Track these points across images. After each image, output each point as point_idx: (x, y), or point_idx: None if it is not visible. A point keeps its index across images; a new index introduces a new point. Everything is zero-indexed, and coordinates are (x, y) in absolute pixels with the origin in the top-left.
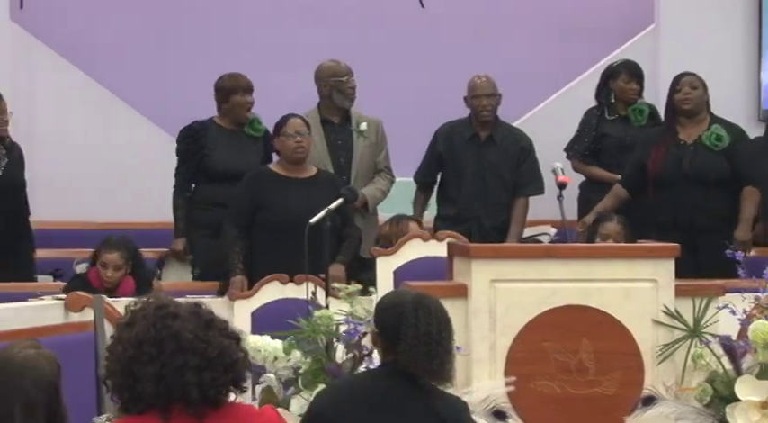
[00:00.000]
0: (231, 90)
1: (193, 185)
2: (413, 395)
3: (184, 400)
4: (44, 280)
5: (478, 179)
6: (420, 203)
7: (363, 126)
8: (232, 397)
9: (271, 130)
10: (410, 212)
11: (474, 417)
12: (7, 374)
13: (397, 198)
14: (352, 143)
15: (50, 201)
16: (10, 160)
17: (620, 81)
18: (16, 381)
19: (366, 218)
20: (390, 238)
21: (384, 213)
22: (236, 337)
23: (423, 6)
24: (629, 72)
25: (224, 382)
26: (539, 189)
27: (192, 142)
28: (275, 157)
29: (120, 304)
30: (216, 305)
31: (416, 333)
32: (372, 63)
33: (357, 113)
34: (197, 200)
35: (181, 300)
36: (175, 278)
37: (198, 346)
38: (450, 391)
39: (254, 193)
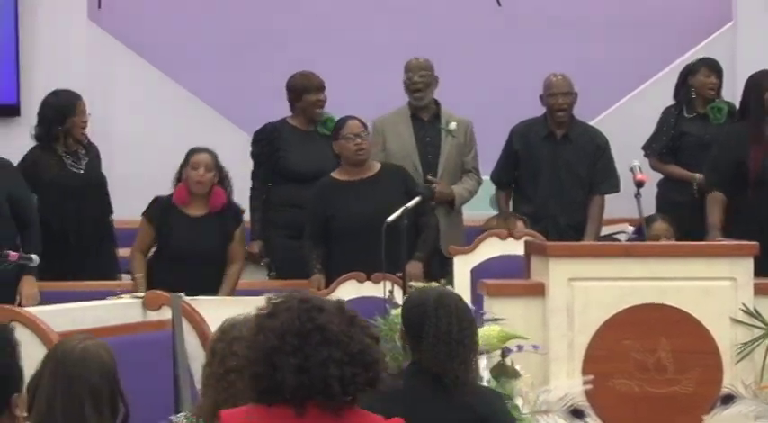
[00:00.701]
0: (303, 89)
1: (270, 185)
2: (442, 394)
3: (324, 394)
4: (124, 279)
5: (554, 177)
6: (504, 202)
7: (453, 125)
8: None
9: None
10: (489, 210)
11: (552, 415)
12: (70, 365)
13: (478, 197)
14: (441, 141)
15: (128, 200)
16: (90, 159)
17: (700, 75)
18: (80, 371)
19: (450, 216)
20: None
21: (467, 211)
22: (375, 338)
23: (499, 5)
24: (709, 67)
25: (363, 379)
26: (614, 187)
27: (265, 144)
28: None
29: (199, 303)
30: None
31: (437, 332)
32: (449, 61)
33: (448, 113)
34: (273, 201)
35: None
36: (251, 279)
37: (342, 341)
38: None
39: (323, 204)
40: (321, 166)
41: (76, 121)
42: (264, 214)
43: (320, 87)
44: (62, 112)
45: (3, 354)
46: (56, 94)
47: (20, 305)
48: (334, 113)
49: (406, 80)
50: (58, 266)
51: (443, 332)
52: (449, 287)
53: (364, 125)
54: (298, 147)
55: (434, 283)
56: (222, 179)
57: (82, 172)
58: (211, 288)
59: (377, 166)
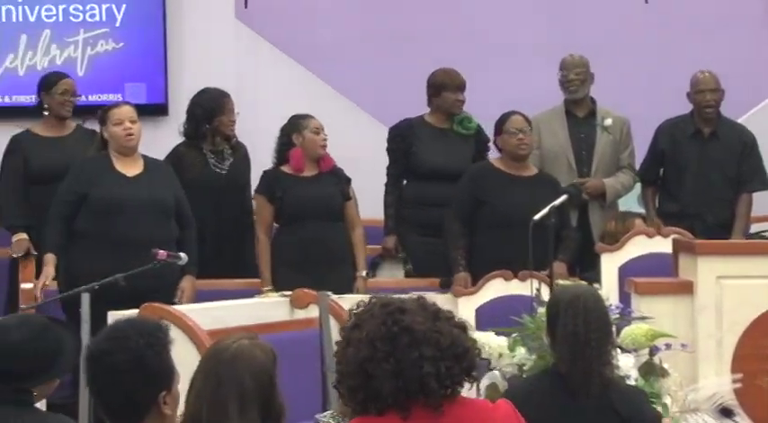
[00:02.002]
0: (443, 86)
1: (405, 182)
2: (575, 395)
3: (423, 393)
4: None
5: (701, 175)
6: (650, 200)
7: (608, 122)
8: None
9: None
10: (636, 208)
11: (701, 414)
12: (220, 364)
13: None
14: (595, 137)
15: None
16: (234, 160)
17: None
18: (229, 370)
19: (605, 211)
20: (616, 236)
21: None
22: (462, 326)
23: (646, 2)
24: None
25: (458, 371)
26: (763, 184)
27: (400, 141)
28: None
29: (345, 301)
30: (439, 301)
31: (565, 333)
32: (596, 58)
33: (604, 110)
34: (406, 198)
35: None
36: (389, 275)
37: (431, 337)
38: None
39: (477, 188)
40: (454, 165)
41: (224, 120)
42: (398, 210)
43: (461, 86)
44: (210, 110)
45: (151, 352)
46: (204, 92)
47: (179, 302)
48: (475, 113)
49: (561, 77)
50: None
51: (570, 333)
52: (596, 285)
53: (527, 120)
54: (432, 144)
55: (582, 282)
56: None
57: (224, 172)
58: (336, 244)
59: (534, 170)
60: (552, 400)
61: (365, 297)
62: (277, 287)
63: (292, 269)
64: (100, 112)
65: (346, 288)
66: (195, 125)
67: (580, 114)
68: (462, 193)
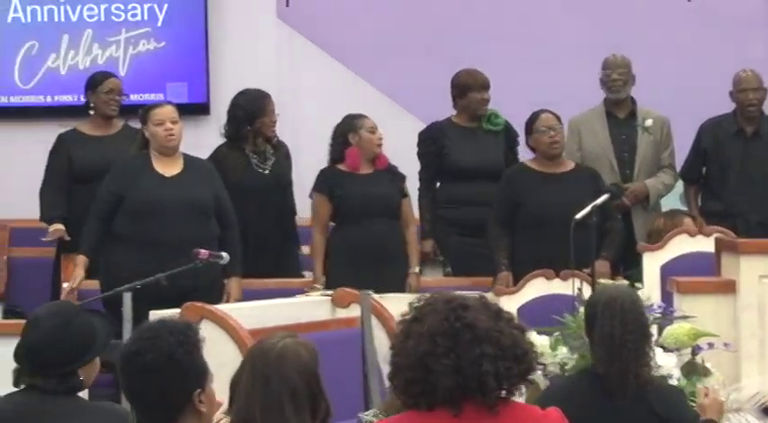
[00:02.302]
0: (467, 86)
1: (438, 184)
2: (613, 396)
3: (480, 392)
4: (309, 277)
5: (744, 174)
6: (693, 199)
7: (648, 122)
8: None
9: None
10: (678, 207)
11: (743, 413)
12: (269, 364)
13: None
14: (636, 138)
15: None
16: (276, 159)
17: None
18: (278, 369)
19: (647, 212)
20: (663, 233)
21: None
22: (522, 329)
23: (689, 0)
24: None
25: (517, 372)
26: None
27: (430, 143)
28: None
29: (387, 300)
30: None
31: (601, 334)
32: (638, 57)
33: (644, 110)
34: (442, 198)
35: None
36: (428, 278)
37: (493, 336)
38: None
39: (512, 190)
40: (487, 162)
41: (266, 121)
42: (434, 213)
43: (485, 85)
44: (251, 111)
45: (181, 350)
46: (245, 93)
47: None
48: (513, 113)
49: (603, 77)
50: None
51: (606, 334)
52: (638, 284)
53: (557, 117)
54: (463, 144)
55: (624, 282)
56: None
57: (266, 172)
58: (392, 242)
59: (571, 164)
60: (591, 401)
61: (414, 296)
62: (332, 285)
63: (348, 267)
64: (141, 111)
65: (400, 286)
66: (236, 127)
67: (621, 115)
68: (500, 197)
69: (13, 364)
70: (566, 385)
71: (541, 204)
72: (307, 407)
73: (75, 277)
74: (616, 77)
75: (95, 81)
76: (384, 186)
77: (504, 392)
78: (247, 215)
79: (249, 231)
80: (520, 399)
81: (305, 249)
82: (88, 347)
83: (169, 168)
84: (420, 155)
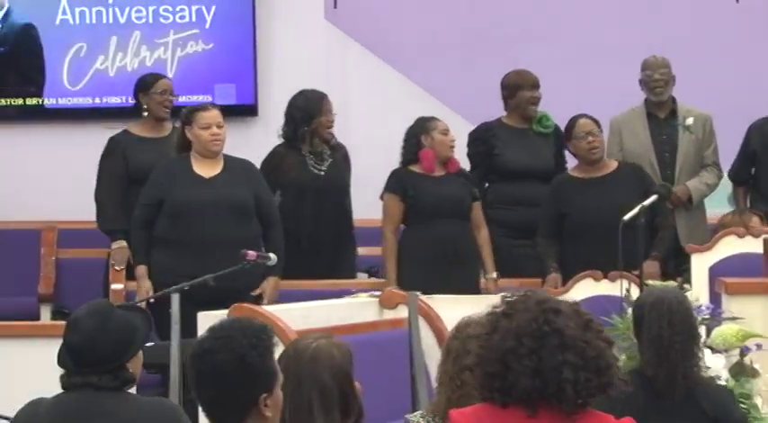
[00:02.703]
0: (517, 86)
1: (486, 185)
2: (661, 397)
3: (557, 398)
4: (361, 278)
5: None
6: (742, 200)
7: (689, 121)
8: None
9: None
10: (727, 208)
11: None
12: (301, 363)
13: (717, 193)
14: (677, 138)
15: (366, 199)
16: (333, 161)
17: None
18: (310, 369)
19: (691, 212)
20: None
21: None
22: (610, 342)
23: (737, 1)
24: None
25: (596, 384)
26: None
27: (480, 144)
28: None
29: (434, 301)
30: None
31: (649, 335)
32: (687, 58)
33: (685, 108)
34: (492, 199)
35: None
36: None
37: (578, 345)
38: None
39: (558, 202)
40: (537, 163)
41: (322, 121)
42: (484, 214)
43: (534, 84)
44: (308, 111)
45: (253, 353)
46: (303, 93)
47: (260, 303)
48: (560, 114)
49: (644, 78)
50: (291, 266)
51: (654, 336)
52: (686, 285)
53: (596, 122)
54: (513, 144)
55: (672, 283)
56: None
57: (323, 173)
58: (464, 243)
59: (614, 164)
60: (640, 402)
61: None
62: (403, 285)
63: (420, 267)
64: (185, 112)
65: (471, 287)
66: (294, 127)
67: (661, 115)
68: (546, 209)
69: None
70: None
71: (585, 210)
72: (336, 407)
73: (144, 289)
74: (658, 78)
75: (147, 83)
76: (455, 189)
77: (581, 401)
78: (303, 215)
79: (303, 231)
80: None
81: (361, 250)
82: (131, 341)
83: (209, 170)
84: (470, 155)
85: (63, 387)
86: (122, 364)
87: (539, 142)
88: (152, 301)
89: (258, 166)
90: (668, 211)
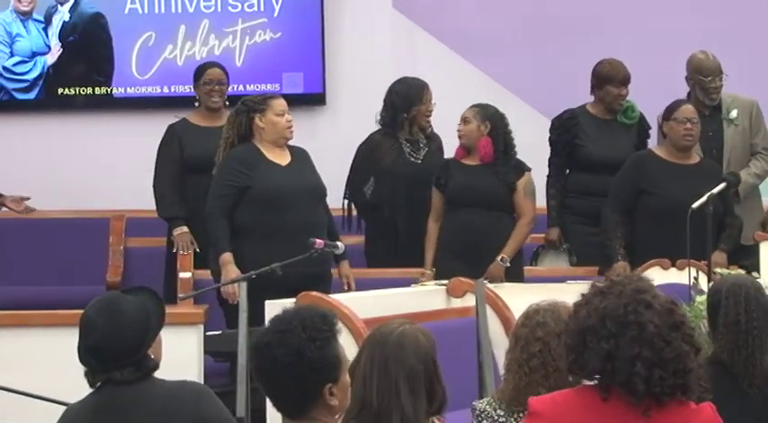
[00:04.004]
0: (607, 79)
1: (567, 171)
2: (736, 385)
3: (627, 389)
4: None
5: None
6: None
7: (734, 114)
8: None
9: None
10: None
11: None
12: (387, 348)
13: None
14: (723, 133)
15: None
16: (429, 150)
17: None
18: (397, 353)
19: (744, 204)
20: None
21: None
22: (697, 347)
23: None
24: None
25: (671, 384)
26: None
27: (562, 132)
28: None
29: (502, 289)
30: None
31: (726, 322)
32: (737, 49)
33: (729, 98)
34: (570, 188)
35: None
36: (552, 266)
37: (657, 343)
38: None
39: (637, 176)
40: (618, 155)
41: (422, 109)
42: (561, 201)
43: (624, 81)
44: (409, 99)
45: (312, 346)
46: (403, 81)
47: (348, 288)
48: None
49: (699, 81)
50: (385, 252)
51: (732, 322)
52: (754, 274)
53: (698, 111)
54: (596, 135)
55: (740, 271)
56: (493, 130)
57: (419, 161)
58: (492, 233)
59: (696, 158)
60: (716, 387)
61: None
62: (438, 273)
63: (450, 255)
64: (252, 100)
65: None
66: (393, 114)
67: (705, 111)
68: (623, 182)
69: None
70: None
71: (670, 194)
72: (423, 392)
73: (230, 275)
74: (718, 84)
75: (197, 73)
76: (486, 178)
77: (656, 398)
78: (397, 203)
79: (399, 219)
80: None
81: None
82: (146, 329)
83: (281, 158)
84: (551, 142)
85: (89, 385)
86: (143, 354)
87: (622, 133)
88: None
89: (326, 151)
90: (734, 207)
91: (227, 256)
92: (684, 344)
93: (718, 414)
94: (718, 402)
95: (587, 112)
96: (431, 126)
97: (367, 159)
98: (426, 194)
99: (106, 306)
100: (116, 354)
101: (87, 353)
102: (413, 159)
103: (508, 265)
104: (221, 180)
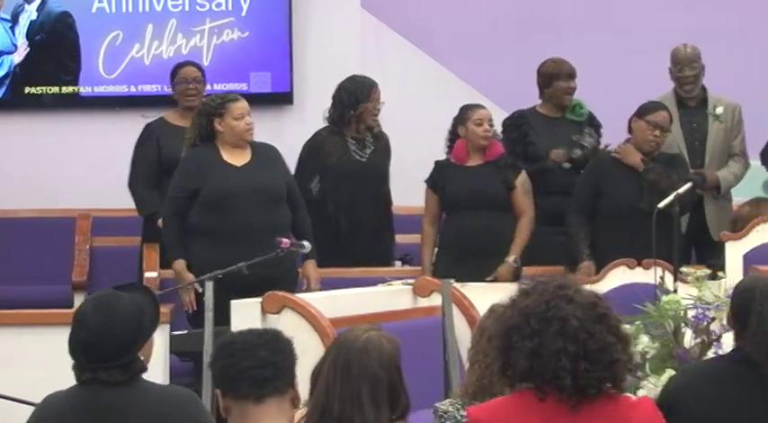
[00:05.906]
0: (554, 75)
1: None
2: (758, 384)
3: (556, 385)
4: (398, 266)
5: None
6: None
7: (719, 110)
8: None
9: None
10: (762, 195)
11: None
12: (352, 355)
13: (746, 181)
14: (707, 127)
15: (403, 186)
16: (375, 149)
17: None
18: (360, 361)
19: (719, 202)
20: (749, 220)
21: (737, 197)
22: (624, 338)
23: None
24: None
25: (599, 377)
26: None
27: (513, 131)
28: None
29: (468, 289)
30: None
31: (760, 321)
32: (719, 46)
33: (715, 97)
34: None
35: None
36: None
37: (581, 336)
38: None
39: (597, 179)
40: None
41: (369, 107)
42: None
43: (570, 74)
44: (356, 96)
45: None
46: (352, 78)
47: (308, 289)
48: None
49: (675, 72)
50: (328, 251)
51: (766, 321)
52: (720, 273)
53: (671, 119)
54: (546, 133)
55: (707, 271)
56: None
57: (364, 160)
58: (494, 233)
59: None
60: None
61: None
62: (436, 274)
63: (451, 258)
64: (210, 103)
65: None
66: (340, 111)
67: (691, 104)
68: (583, 184)
69: None
70: (710, 368)
71: (621, 195)
72: (385, 400)
73: (184, 281)
74: (688, 74)
75: (172, 72)
76: (486, 179)
77: (585, 391)
78: (341, 200)
79: (342, 216)
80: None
81: (397, 238)
82: (139, 330)
83: (239, 158)
84: (503, 142)
85: (76, 379)
86: (132, 357)
87: (571, 131)
88: (200, 290)
89: (293, 151)
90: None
91: (179, 264)
92: (610, 335)
93: (743, 411)
94: (744, 400)
95: (536, 112)
96: (378, 125)
97: (313, 157)
98: (369, 192)
99: (102, 303)
100: (104, 353)
101: (77, 346)
102: (357, 157)
103: (519, 264)
104: (174, 182)
